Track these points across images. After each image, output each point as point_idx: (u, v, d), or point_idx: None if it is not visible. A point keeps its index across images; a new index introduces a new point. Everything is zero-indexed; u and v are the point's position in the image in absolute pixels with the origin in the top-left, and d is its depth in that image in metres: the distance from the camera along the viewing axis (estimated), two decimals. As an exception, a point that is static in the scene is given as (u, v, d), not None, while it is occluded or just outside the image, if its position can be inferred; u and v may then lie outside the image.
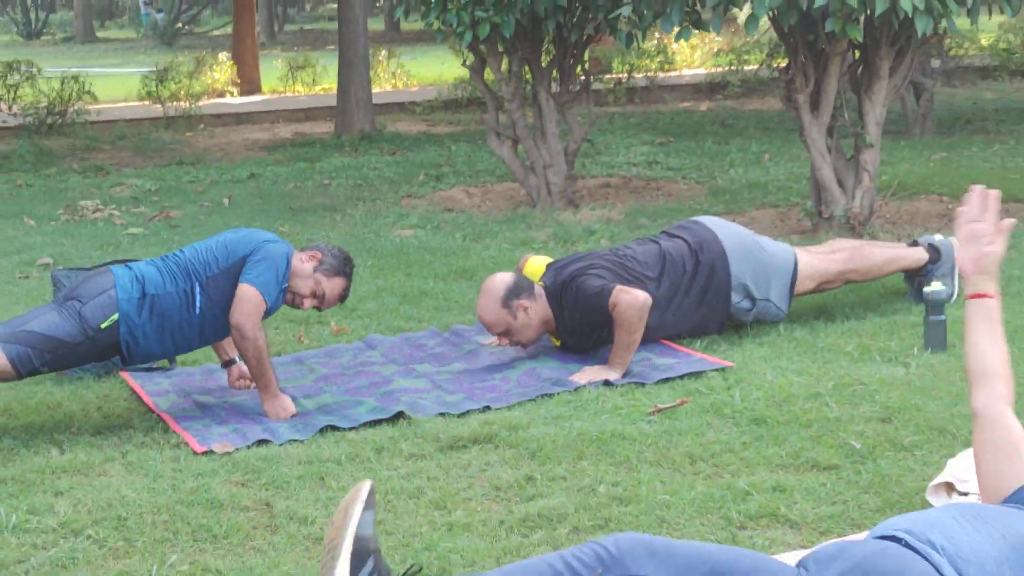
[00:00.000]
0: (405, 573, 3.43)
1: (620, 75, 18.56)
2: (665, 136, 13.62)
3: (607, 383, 5.36)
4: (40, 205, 10.58)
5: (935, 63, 14.33)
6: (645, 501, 4.12)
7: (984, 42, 18.98)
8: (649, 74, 18.79)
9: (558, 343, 6.03)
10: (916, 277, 6.38)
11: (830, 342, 5.76)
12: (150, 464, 4.66)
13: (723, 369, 5.45)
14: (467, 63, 9.97)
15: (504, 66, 9.88)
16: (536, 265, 6.19)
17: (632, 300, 5.50)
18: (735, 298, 6.00)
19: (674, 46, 20.27)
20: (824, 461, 4.38)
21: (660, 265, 5.92)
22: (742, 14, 7.68)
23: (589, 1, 9.06)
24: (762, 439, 4.63)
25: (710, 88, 18.37)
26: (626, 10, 8.09)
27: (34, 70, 16.21)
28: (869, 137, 8.14)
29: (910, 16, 7.21)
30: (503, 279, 5.78)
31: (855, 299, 6.48)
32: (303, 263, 5.38)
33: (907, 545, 2.96)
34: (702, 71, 19.84)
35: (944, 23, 7.65)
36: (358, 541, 3.15)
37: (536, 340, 5.89)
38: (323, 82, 20.61)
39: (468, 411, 5.10)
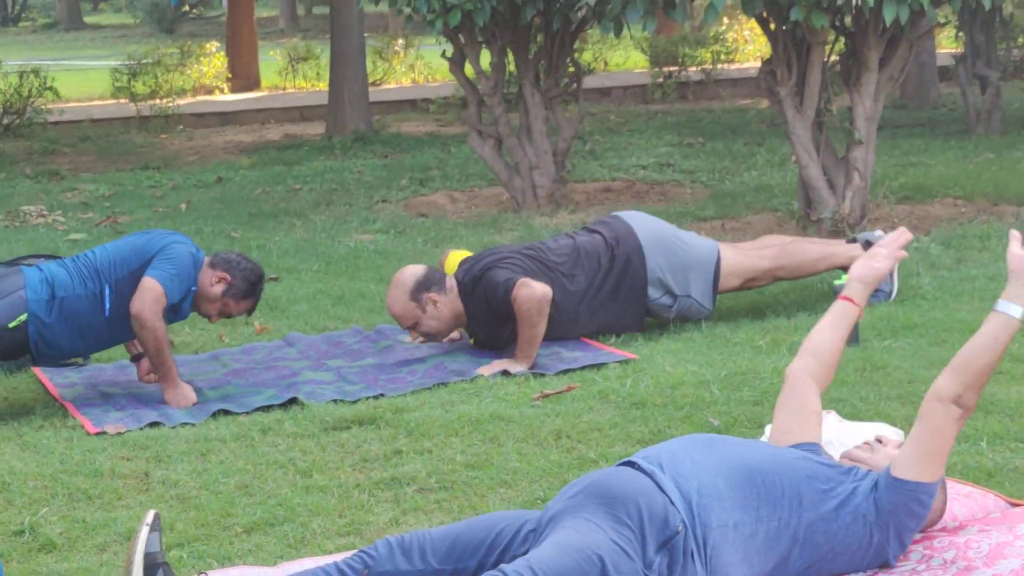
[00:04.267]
0: None
1: (672, 68, 19.85)
2: (697, 137, 14.92)
3: (505, 373, 6.66)
4: (-19, 211, 12.07)
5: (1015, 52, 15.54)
6: (495, 467, 5.42)
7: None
8: (706, 67, 20.03)
9: (472, 341, 7.31)
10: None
11: (745, 337, 7.03)
12: (43, 443, 6.01)
13: (626, 361, 6.75)
14: (446, 55, 11.26)
15: (485, 59, 11.16)
16: (456, 259, 7.48)
17: (530, 293, 6.79)
18: (653, 293, 7.24)
19: (744, 34, 21.54)
20: (678, 436, 5.65)
21: (574, 259, 7.18)
22: (704, 2, 8.97)
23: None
24: (633, 420, 5.91)
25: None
26: (591, -1, 9.38)
27: (-6, 63, 17.61)
28: (858, 133, 9.28)
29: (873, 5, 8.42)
30: (413, 272, 7.06)
31: (793, 299, 7.73)
32: (212, 286, 6.69)
33: (639, 468, 4.24)
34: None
35: (932, 14, 8.90)
36: (147, 557, 4.10)
37: (447, 334, 7.18)
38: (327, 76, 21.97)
39: (361, 397, 6.43)
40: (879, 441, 4.57)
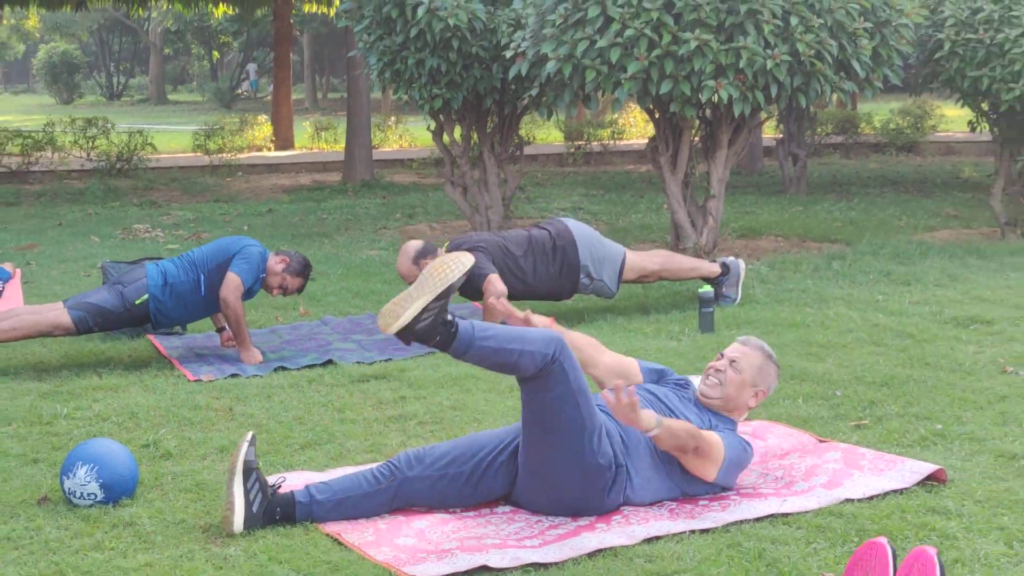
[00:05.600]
0: (274, 486, 4.18)
1: (580, 142, 20.03)
2: (598, 190, 15.08)
3: (474, 345, 6.79)
4: (104, 227, 12.08)
5: (837, 138, 15.76)
6: (469, 409, 5.55)
7: (877, 123, 20.35)
8: (604, 142, 20.23)
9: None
10: (714, 284, 7.77)
11: (637, 326, 7.18)
12: (158, 386, 6.11)
13: (556, 340, 6.89)
14: (430, 128, 11.40)
15: (457, 131, 11.32)
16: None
17: (491, 288, 6.90)
18: (580, 276, 7.38)
19: (630, 120, 21.74)
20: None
21: (527, 245, 7.30)
22: (609, 98, 9.12)
23: (517, 84, 10.47)
24: (563, 379, 6.06)
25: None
26: (534, 91, 9.53)
27: (109, 125, 17.65)
28: (713, 190, 9.45)
29: (727, 103, 8.60)
30: (415, 244, 7.20)
31: (669, 302, 7.89)
32: (276, 264, 6.83)
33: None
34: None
35: (766, 109, 9.09)
36: (246, 463, 4.05)
37: None
38: (343, 141, 22.02)
39: (376, 360, 6.55)
40: (717, 369, 4.51)
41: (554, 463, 4.09)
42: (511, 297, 7.14)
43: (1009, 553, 3.80)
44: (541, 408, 4.03)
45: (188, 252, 6.86)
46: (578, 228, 7.46)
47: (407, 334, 3.82)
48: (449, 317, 3.84)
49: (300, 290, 6.97)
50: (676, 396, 4.52)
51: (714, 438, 4.23)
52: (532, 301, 7.42)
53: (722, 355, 4.52)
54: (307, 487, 4.19)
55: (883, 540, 3.33)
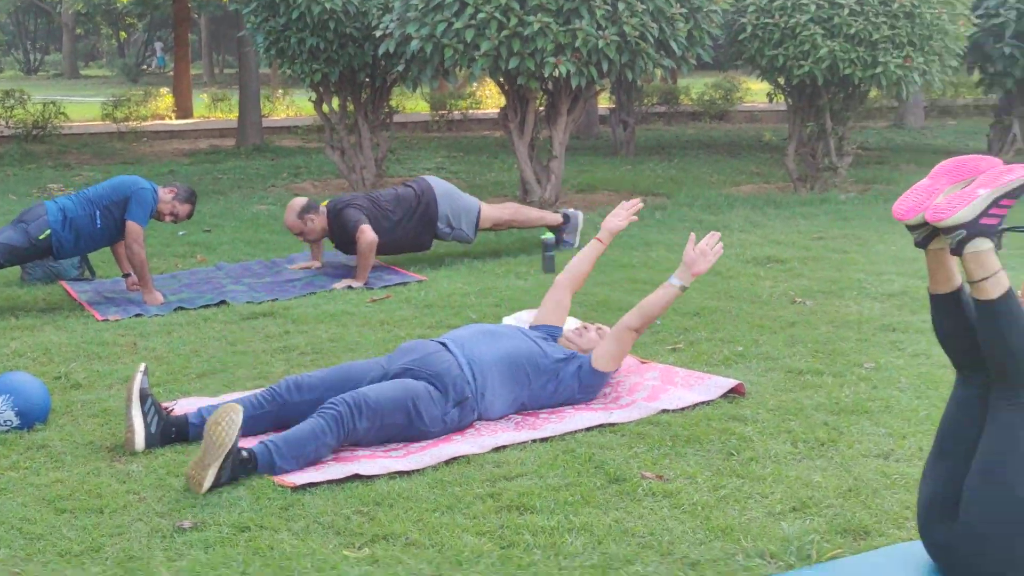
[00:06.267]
0: (168, 409, 4.12)
1: (443, 112, 19.84)
2: (459, 152, 14.99)
3: (349, 287, 6.72)
4: (21, 187, 11.60)
5: (661, 108, 15.80)
6: (346, 341, 5.48)
7: (694, 95, 20.58)
8: (464, 111, 20.06)
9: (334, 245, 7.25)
10: (556, 232, 7.80)
11: (491, 269, 7.16)
12: (69, 325, 5.91)
13: (420, 281, 6.85)
14: (311, 99, 11.22)
15: (335, 102, 11.15)
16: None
17: (365, 238, 6.84)
18: (441, 225, 7.33)
19: (486, 92, 21.62)
20: (455, 326, 5.80)
21: (395, 201, 7.23)
22: (466, 73, 9.06)
23: (386, 60, 10.33)
24: (426, 315, 6.00)
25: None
26: (401, 67, 9.42)
27: (25, 96, 16.97)
28: (554, 152, 9.51)
29: (565, 76, 8.61)
30: (299, 201, 7.12)
31: (519, 247, 7.87)
32: (166, 194, 6.57)
33: (448, 350, 4.33)
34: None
35: (599, 83, 9.11)
36: (141, 391, 3.97)
37: (321, 237, 7.16)
38: (237, 110, 21.50)
39: (264, 300, 6.43)
40: (585, 328, 4.67)
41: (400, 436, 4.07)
42: (381, 245, 7.08)
43: (794, 451, 3.90)
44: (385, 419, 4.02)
45: (83, 190, 6.59)
46: (439, 185, 7.40)
47: (215, 487, 3.61)
48: (245, 455, 3.66)
49: (189, 215, 6.72)
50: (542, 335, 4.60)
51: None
52: (400, 254, 7.38)
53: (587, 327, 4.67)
54: (199, 409, 4.11)
55: None
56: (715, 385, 4.54)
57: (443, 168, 13.07)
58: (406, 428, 4.03)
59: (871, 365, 4.88)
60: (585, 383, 4.43)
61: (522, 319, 5.40)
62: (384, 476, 3.71)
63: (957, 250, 2.76)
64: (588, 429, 4.14)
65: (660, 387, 4.56)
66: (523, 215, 7.66)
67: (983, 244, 2.75)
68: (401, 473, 3.74)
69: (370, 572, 3.04)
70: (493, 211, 7.55)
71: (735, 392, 4.50)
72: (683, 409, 4.33)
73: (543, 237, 7.11)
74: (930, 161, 12.70)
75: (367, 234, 6.86)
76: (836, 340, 5.30)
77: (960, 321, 2.89)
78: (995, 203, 2.76)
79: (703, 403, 4.39)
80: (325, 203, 7.23)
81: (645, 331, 4.56)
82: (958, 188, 2.81)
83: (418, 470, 3.77)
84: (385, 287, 6.73)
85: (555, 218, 7.77)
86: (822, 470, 3.71)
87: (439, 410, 4.07)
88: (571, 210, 7.92)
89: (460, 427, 4.16)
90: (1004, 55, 10.94)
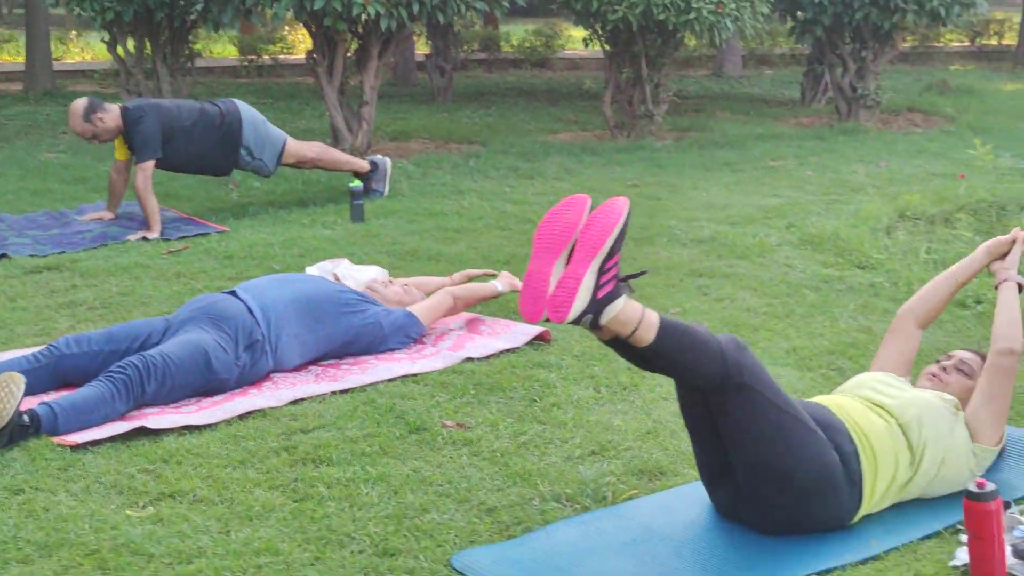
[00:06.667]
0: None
1: (253, 56, 19.38)
2: (269, 99, 14.68)
3: (144, 238, 6.53)
4: None
5: (481, 54, 15.71)
6: (138, 295, 5.33)
7: (515, 42, 20.64)
8: (275, 56, 19.63)
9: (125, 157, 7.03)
10: (363, 179, 7.73)
11: (296, 218, 7.05)
12: None
13: (222, 232, 6.70)
14: (104, 39, 10.80)
15: (131, 43, 10.76)
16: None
17: (137, 177, 6.66)
18: (242, 152, 7.17)
19: (299, 36, 21.19)
20: (256, 276, 5.70)
21: (196, 115, 6.99)
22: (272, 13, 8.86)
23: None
24: (226, 266, 5.87)
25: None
26: (200, 6, 9.15)
27: None
28: (366, 97, 9.41)
29: (374, 17, 8.50)
30: (81, 102, 6.79)
31: (326, 197, 7.72)
32: None
33: (238, 296, 4.27)
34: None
35: (410, 25, 9.05)
36: None
37: (117, 135, 6.84)
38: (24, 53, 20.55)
39: (49, 253, 6.18)
40: (391, 282, 4.71)
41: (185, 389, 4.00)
42: (176, 161, 6.92)
43: (596, 396, 4.00)
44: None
45: None
46: (246, 110, 7.27)
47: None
48: (26, 420, 3.53)
49: None
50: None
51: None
52: (197, 174, 7.26)
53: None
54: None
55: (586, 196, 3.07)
56: (520, 332, 4.60)
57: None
58: (201, 384, 3.97)
59: (676, 310, 5.03)
60: (399, 324, 4.46)
61: (326, 269, 5.35)
62: (173, 432, 3.64)
63: (596, 326, 2.79)
64: (391, 380, 4.15)
65: (465, 336, 4.61)
66: (329, 156, 7.59)
67: (615, 307, 2.79)
68: (191, 428, 3.68)
69: (153, 531, 2.99)
70: (299, 147, 7.47)
71: (541, 339, 4.57)
72: (488, 357, 4.38)
73: (351, 185, 7.05)
74: (745, 109, 13.12)
75: (140, 173, 6.66)
76: (644, 286, 5.42)
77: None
78: (601, 271, 2.78)
79: (508, 351, 4.45)
80: (119, 103, 6.99)
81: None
82: (561, 265, 2.80)
83: (210, 425, 3.71)
84: (183, 237, 6.57)
85: (362, 164, 7.71)
86: (623, 414, 3.82)
87: (231, 356, 4.03)
88: (379, 156, 7.87)
89: (254, 372, 4.12)
90: (813, 3, 11.32)
